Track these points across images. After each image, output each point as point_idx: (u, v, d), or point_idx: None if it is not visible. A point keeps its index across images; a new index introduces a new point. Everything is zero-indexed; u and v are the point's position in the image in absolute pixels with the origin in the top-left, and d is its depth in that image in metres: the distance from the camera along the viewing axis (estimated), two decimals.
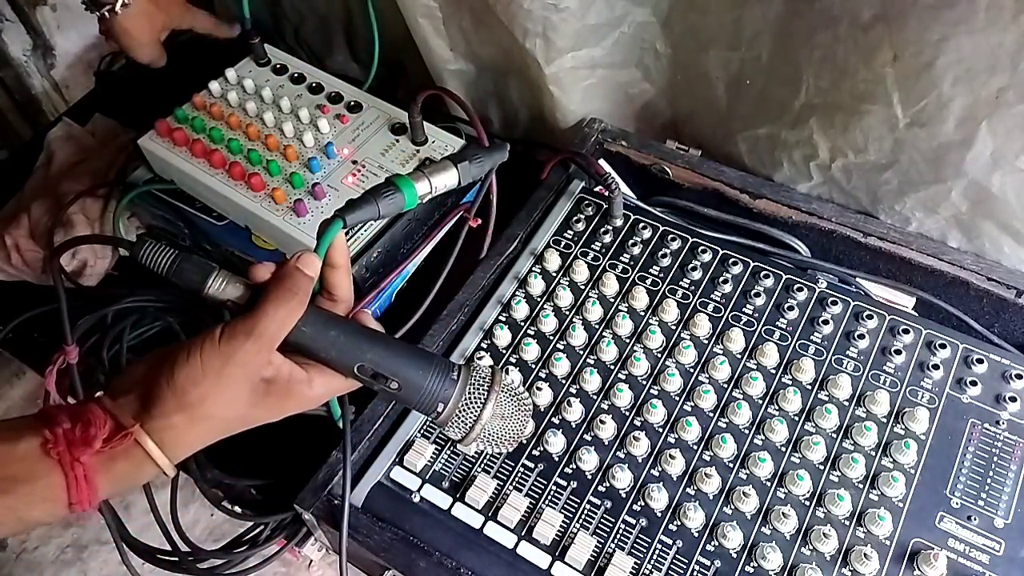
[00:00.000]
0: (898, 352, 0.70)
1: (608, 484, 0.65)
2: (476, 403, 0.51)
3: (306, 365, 0.50)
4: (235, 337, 0.47)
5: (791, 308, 0.74)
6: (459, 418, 0.51)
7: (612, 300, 0.76)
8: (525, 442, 0.66)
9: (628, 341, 0.73)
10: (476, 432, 0.51)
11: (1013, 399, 0.66)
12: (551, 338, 0.74)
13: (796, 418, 0.68)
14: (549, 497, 0.65)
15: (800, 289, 0.75)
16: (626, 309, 0.75)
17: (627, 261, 0.79)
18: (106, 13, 0.81)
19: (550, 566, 0.62)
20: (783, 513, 0.62)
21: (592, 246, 0.80)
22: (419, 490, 0.66)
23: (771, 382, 0.70)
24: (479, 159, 0.60)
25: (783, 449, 0.66)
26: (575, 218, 0.82)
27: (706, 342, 0.73)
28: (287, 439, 0.75)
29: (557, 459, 0.67)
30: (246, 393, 0.49)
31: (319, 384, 0.51)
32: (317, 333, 0.50)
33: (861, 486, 0.64)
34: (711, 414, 0.68)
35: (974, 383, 0.68)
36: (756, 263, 0.77)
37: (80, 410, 0.47)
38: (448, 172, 0.59)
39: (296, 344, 0.50)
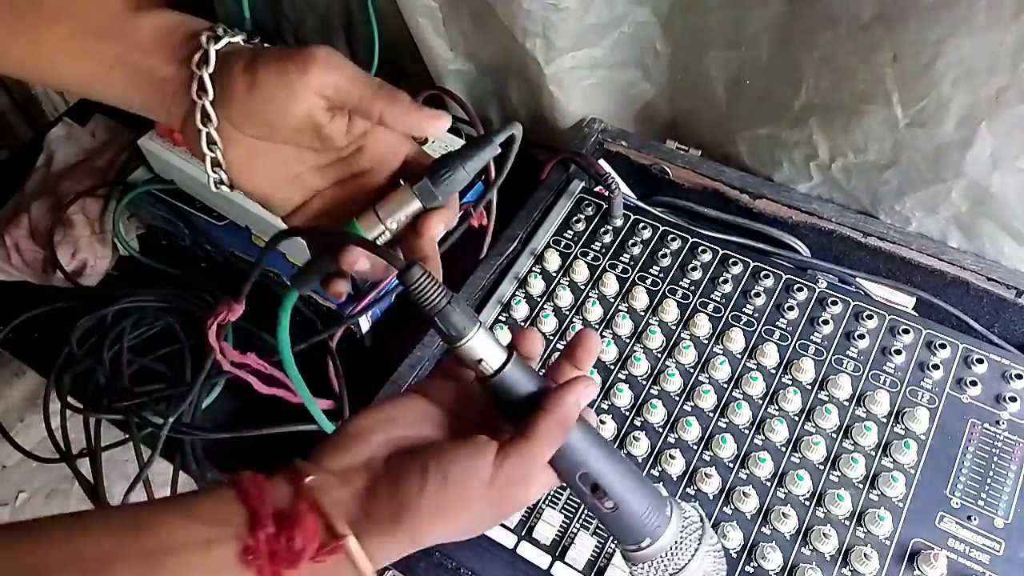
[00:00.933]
0: (898, 352, 0.70)
1: None
2: (686, 551, 0.45)
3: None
4: (515, 482, 0.41)
5: (791, 308, 0.74)
6: (662, 562, 0.45)
7: (612, 300, 0.76)
8: None
9: (628, 341, 0.73)
10: (705, 552, 0.45)
11: (1013, 399, 0.66)
12: (551, 338, 0.74)
13: (796, 418, 0.68)
14: (549, 497, 0.65)
15: (800, 289, 0.75)
16: (626, 309, 0.75)
17: (627, 261, 0.79)
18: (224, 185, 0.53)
19: (550, 566, 0.62)
20: (783, 513, 0.62)
21: (592, 246, 0.80)
22: None
23: (771, 382, 0.70)
24: (446, 174, 0.48)
25: (783, 449, 0.66)
26: (575, 218, 0.82)
27: (706, 342, 0.73)
28: (288, 439, 0.75)
29: None
30: (489, 522, 0.43)
31: (544, 484, 0.44)
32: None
33: (861, 486, 0.64)
34: (711, 414, 0.68)
35: (974, 383, 0.68)
36: (756, 263, 0.77)
37: (291, 513, 0.38)
38: (405, 202, 0.48)
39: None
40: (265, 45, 0.50)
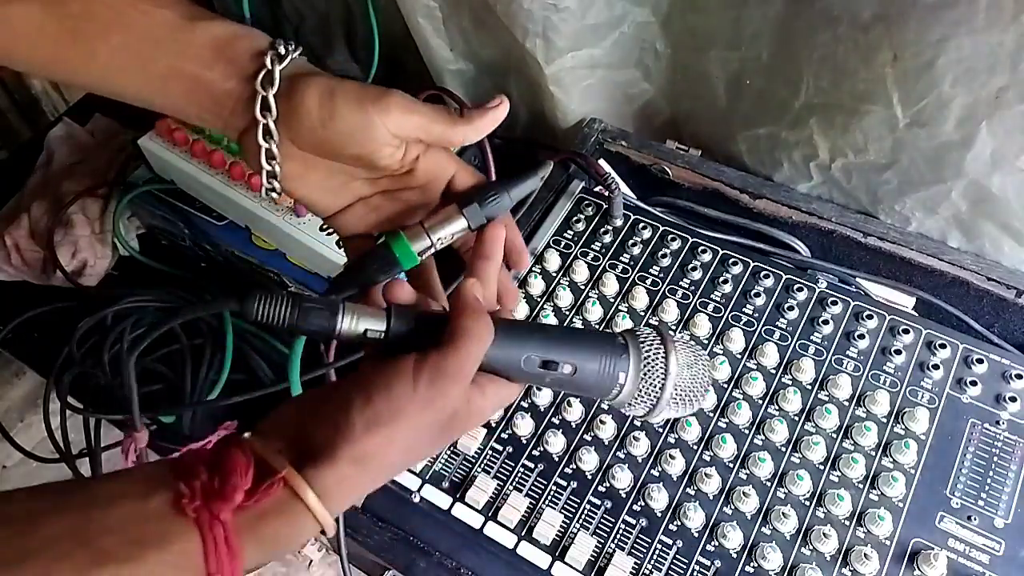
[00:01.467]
0: (898, 352, 0.70)
1: (608, 484, 0.65)
2: (658, 360, 0.46)
3: (475, 378, 0.44)
4: (439, 381, 0.41)
5: (791, 308, 0.74)
6: (645, 383, 0.46)
7: (612, 300, 0.76)
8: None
9: None
10: (668, 391, 0.46)
11: (1013, 399, 0.66)
12: None
13: (796, 418, 0.68)
14: (549, 497, 0.65)
15: (800, 289, 0.75)
16: (626, 309, 0.75)
17: (627, 261, 0.79)
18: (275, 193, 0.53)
19: (550, 566, 0.62)
20: (783, 513, 0.62)
21: (592, 246, 0.80)
22: (419, 490, 0.66)
23: (771, 382, 0.70)
24: (493, 199, 0.51)
25: (783, 449, 0.66)
26: (575, 218, 0.82)
27: (706, 342, 0.73)
28: None
29: (557, 459, 0.67)
30: (434, 434, 0.43)
31: (492, 393, 0.45)
32: None
33: (861, 486, 0.64)
34: (711, 414, 0.68)
35: (974, 383, 0.68)
36: (756, 263, 0.77)
37: (220, 455, 0.39)
38: (453, 222, 0.51)
39: None
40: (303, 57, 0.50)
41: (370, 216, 0.53)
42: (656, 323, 0.47)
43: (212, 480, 0.37)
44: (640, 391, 0.46)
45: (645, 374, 0.46)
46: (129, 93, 0.51)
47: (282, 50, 0.48)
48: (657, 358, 0.46)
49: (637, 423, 0.68)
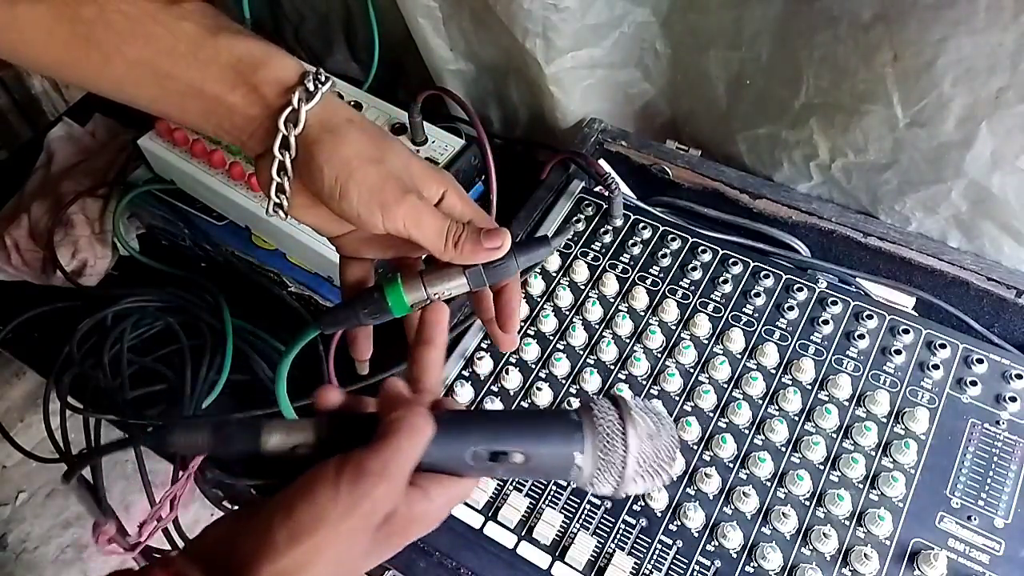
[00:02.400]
0: (898, 352, 0.70)
1: None
2: (615, 435, 0.43)
3: (416, 480, 0.41)
4: (363, 480, 0.38)
5: (791, 308, 0.74)
6: (605, 461, 0.43)
7: (612, 300, 0.76)
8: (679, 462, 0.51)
9: (628, 341, 0.73)
10: (631, 467, 0.43)
11: (1013, 399, 0.66)
12: (551, 338, 0.74)
13: (796, 418, 0.68)
14: (549, 497, 0.65)
15: (800, 289, 0.75)
16: (626, 309, 0.75)
17: (627, 261, 0.79)
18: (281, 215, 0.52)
19: (550, 566, 0.62)
20: (783, 513, 0.62)
21: (592, 246, 0.80)
22: None
23: (771, 382, 0.70)
24: (499, 263, 0.50)
25: (783, 449, 0.66)
26: (575, 218, 0.82)
27: (706, 342, 0.73)
28: None
29: None
30: (366, 543, 0.39)
31: (437, 494, 0.42)
32: None
33: (861, 486, 0.64)
34: (711, 414, 0.68)
35: (974, 383, 0.68)
36: (756, 263, 0.77)
37: (143, 573, 0.37)
38: (453, 280, 0.50)
39: None
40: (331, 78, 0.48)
41: (375, 244, 0.52)
42: (616, 393, 0.44)
43: None
44: (601, 470, 0.43)
45: (604, 451, 0.43)
46: (144, 104, 0.49)
47: (311, 86, 0.46)
48: (614, 433, 0.43)
49: None
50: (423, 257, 0.54)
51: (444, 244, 0.48)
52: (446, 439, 0.42)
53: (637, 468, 0.43)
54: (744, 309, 0.74)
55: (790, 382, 0.69)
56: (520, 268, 0.51)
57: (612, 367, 0.72)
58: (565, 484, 0.65)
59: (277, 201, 0.49)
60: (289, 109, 0.46)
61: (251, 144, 0.48)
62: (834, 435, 0.66)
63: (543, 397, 0.70)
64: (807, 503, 0.63)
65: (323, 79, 0.47)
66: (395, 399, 0.43)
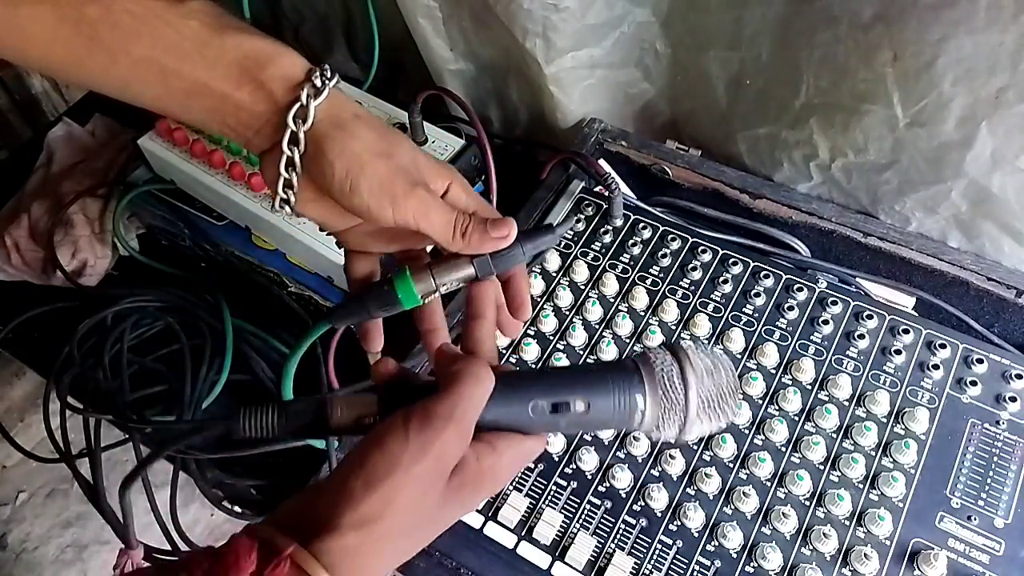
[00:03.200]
0: (898, 352, 0.70)
1: (608, 484, 0.65)
2: (674, 374, 0.43)
3: (482, 436, 0.43)
4: (431, 424, 0.39)
5: (791, 308, 0.74)
6: (667, 401, 0.43)
7: (612, 300, 0.76)
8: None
9: (628, 341, 0.73)
10: (693, 404, 0.42)
11: (1013, 399, 0.66)
12: (551, 338, 0.74)
13: (796, 418, 0.68)
14: (549, 497, 0.65)
15: (800, 289, 0.75)
16: (626, 309, 0.75)
17: (627, 261, 0.79)
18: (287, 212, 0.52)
19: (550, 566, 0.62)
20: (783, 513, 0.62)
21: (592, 246, 0.80)
22: None
23: (771, 382, 0.70)
24: (506, 251, 0.51)
25: (783, 449, 0.66)
26: (575, 218, 0.82)
27: (706, 342, 0.73)
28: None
29: (557, 459, 0.67)
30: (439, 489, 0.40)
31: (504, 448, 0.43)
32: None
33: (861, 486, 0.64)
34: None
35: (974, 383, 0.68)
36: (756, 263, 0.77)
37: (227, 545, 0.37)
38: (461, 270, 0.50)
39: None
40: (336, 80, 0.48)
41: (381, 237, 0.52)
42: (662, 342, 0.44)
43: (214, 568, 0.36)
44: (664, 411, 0.43)
45: (665, 391, 0.43)
46: (148, 102, 0.49)
47: (318, 82, 0.46)
48: (672, 372, 0.43)
49: None
50: (428, 249, 0.54)
51: (452, 235, 0.48)
52: (506, 395, 0.43)
53: (700, 405, 0.43)
54: (744, 309, 0.74)
55: (790, 382, 0.69)
56: (526, 256, 0.51)
57: None
58: (564, 484, 0.65)
59: (284, 197, 0.49)
60: (298, 105, 0.46)
61: (257, 141, 0.48)
62: (834, 435, 0.66)
63: None
64: (807, 503, 0.63)
65: (330, 75, 0.47)
66: (453, 357, 0.44)
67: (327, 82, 0.46)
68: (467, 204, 0.50)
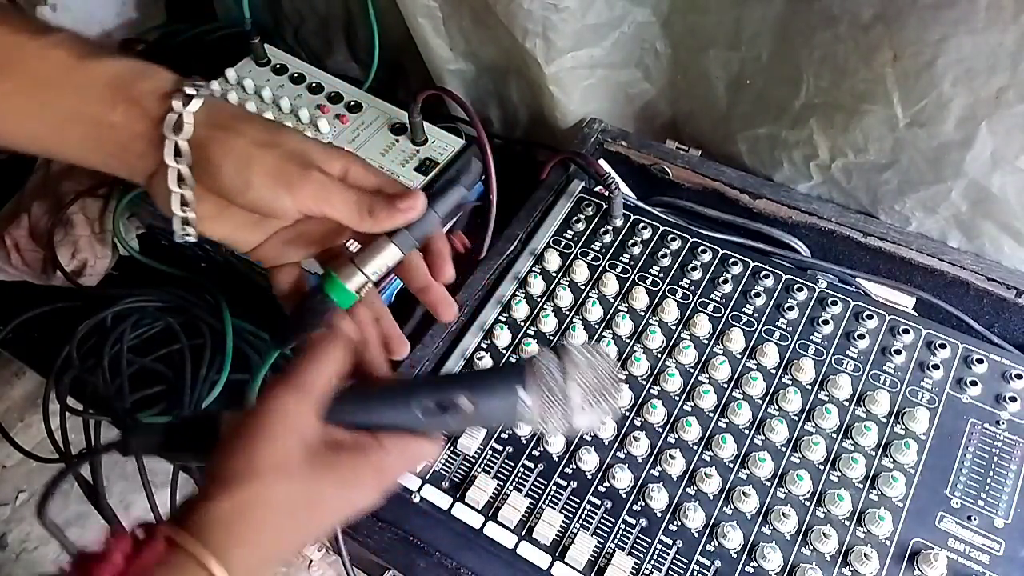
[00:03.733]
0: (898, 352, 0.70)
1: (608, 484, 0.65)
2: (553, 367, 0.45)
3: (373, 433, 0.45)
4: (274, 388, 0.42)
5: (791, 308, 0.74)
6: (549, 394, 0.44)
7: (612, 300, 0.76)
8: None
9: (628, 341, 0.73)
10: (575, 393, 0.44)
11: (1013, 399, 0.66)
12: (551, 338, 0.74)
13: (796, 418, 0.68)
14: (549, 497, 0.65)
15: (800, 289, 0.75)
16: (626, 309, 0.75)
17: (627, 261, 0.79)
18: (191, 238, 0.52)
19: (550, 566, 0.62)
20: (783, 513, 0.62)
21: (592, 246, 0.80)
22: (419, 490, 0.66)
23: (771, 382, 0.70)
24: (421, 222, 0.50)
25: (783, 449, 0.66)
26: (575, 218, 0.82)
27: (706, 342, 0.73)
28: None
29: (557, 459, 0.67)
30: (299, 453, 0.41)
31: (391, 445, 0.44)
32: (360, 399, 0.46)
33: (861, 486, 0.64)
34: (711, 414, 0.68)
35: (974, 383, 0.68)
36: (756, 263, 0.77)
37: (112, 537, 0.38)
38: (384, 250, 0.50)
39: (348, 423, 0.45)
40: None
41: (296, 243, 0.52)
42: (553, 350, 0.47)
43: (93, 554, 0.37)
44: (548, 403, 0.45)
45: (547, 384, 0.45)
46: (23, 141, 0.48)
47: (190, 90, 0.45)
48: (552, 366, 0.45)
49: (637, 423, 0.68)
50: (349, 246, 0.54)
51: (360, 215, 0.48)
52: (394, 396, 0.45)
53: (582, 394, 0.45)
54: (744, 309, 0.74)
55: (790, 382, 0.69)
56: (442, 217, 0.51)
57: None
58: (564, 484, 0.65)
59: (183, 216, 0.48)
60: (172, 115, 0.45)
61: (141, 165, 0.47)
62: (834, 435, 0.66)
63: None
64: (807, 503, 0.63)
65: (202, 84, 0.46)
66: (321, 333, 0.47)
67: (199, 89, 0.46)
68: (369, 182, 0.50)
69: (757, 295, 0.75)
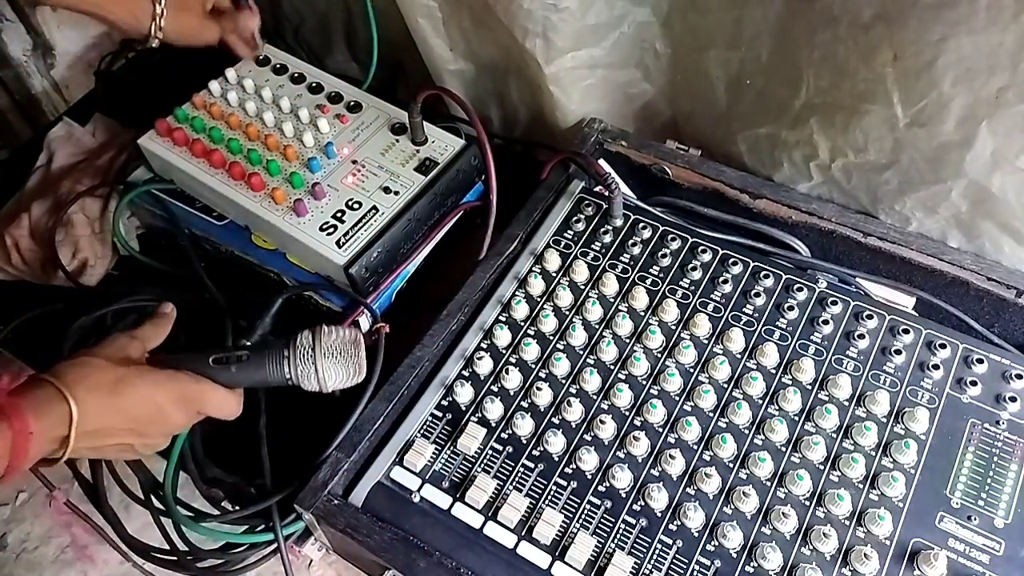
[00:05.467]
0: (898, 352, 0.70)
1: (608, 484, 0.65)
2: (305, 333, 0.66)
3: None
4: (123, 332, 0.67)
5: (791, 308, 0.74)
6: (304, 353, 0.65)
7: (612, 300, 0.76)
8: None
9: (628, 341, 0.73)
10: (319, 354, 0.65)
11: (1013, 399, 0.66)
12: (551, 338, 0.74)
13: (796, 418, 0.68)
14: (549, 497, 0.65)
15: (800, 289, 0.75)
16: (626, 309, 0.75)
17: (627, 261, 0.79)
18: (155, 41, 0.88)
19: (550, 566, 0.62)
20: (783, 513, 0.62)
21: (592, 246, 0.80)
22: (419, 490, 0.66)
23: (771, 382, 0.70)
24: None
25: (783, 449, 0.66)
26: (575, 218, 0.82)
27: (706, 342, 0.73)
28: (286, 438, 0.75)
29: (557, 459, 0.67)
30: (119, 359, 0.63)
31: (186, 379, 0.63)
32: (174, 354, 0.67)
33: (861, 486, 0.64)
34: (711, 414, 0.68)
35: (974, 383, 0.68)
36: (756, 263, 0.77)
37: None
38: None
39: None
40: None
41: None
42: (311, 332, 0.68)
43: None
44: (303, 361, 0.65)
45: (302, 348, 0.66)
46: None
47: None
48: (305, 334, 0.67)
49: (637, 423, 0.68)
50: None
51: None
52: (197, 353, 0.65)
53: (324, 354, 0.66)
54: (744, 309, 0.74)
55: (790, 382, 0.69)
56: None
57: (612, 367, 0.72)
58: (564, 484, 0.65)
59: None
60: None
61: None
62: (834, 435, 0.66)
63: (543, 397, 0.70)
64: (807, 503, 0.63)
65: None
66: None
67: None
68: None
69: (757, 295, 0.75)
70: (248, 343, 0.70)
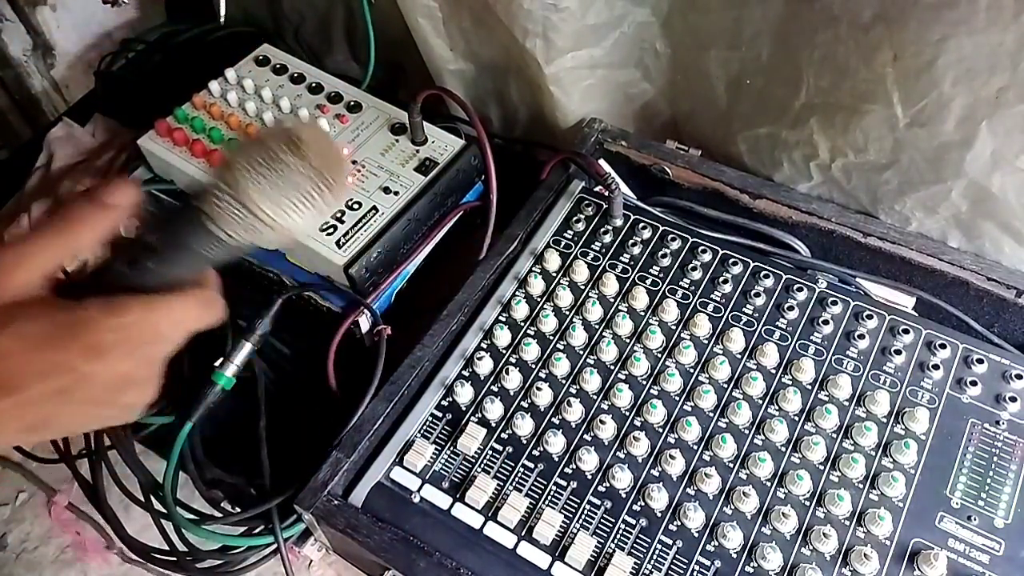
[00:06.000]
0: (898, 352, 0.70)
1: (608, 484, 0.65)
2: (219, 170, 0.48)
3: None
4: None
5: (791, 308, 0.74)
6: (214, 189, 0.48)
7: (612, 300, 0.76)
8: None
9: (628, 341, 0.73)
10: (242, 176, 0.47)
11: (1013, 399, 0.66)
12: (551, 338, 0.74)
13: (796, 418, 0.68)
14: (549, 497, 0.65)
15: (800, 289, 0.75)
16: (626, 309, 0.75)
17: (627, 261, 0.79)
18: None
19: (550, 566, 0.62)
20: (783, 513, 0.62)
21: (592, 246, 0.80)
22: (419, 490, 0.66)
23: (771, 382, 0.70)
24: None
25: (783, 449, 0.66)
26: (575, 218, 0.82)
27: (706, 342, 0.73)
28: (285, 438, 0.75)
29: (557, 459, 0.67)
30: (45, 299, 0.52)
31: (134, 301, 0.51)
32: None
33: (861, 486, 0.64)
34: (711, 414, 0.68)
35: (974, 383, 0.68)
36: (756, 263, 0.77)
37: None
38: (244, 349, 0.73)
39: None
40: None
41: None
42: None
43: None
44: (218, 193, 0.49)
45: (212, 179, 0.49)
46: None
47: None
48: (216, 168, 0.51)
49: (637, 423, 0.68)
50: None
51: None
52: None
53: (249, 175, 0.47)
54: (744, 309, 0.74)
55: (790, 382, 0.69)
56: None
57: (612, 367, 0.72)
58: (564, 484, 0.65)
59: None
60: None
61: None
62: (834, 435, 0.66)
63: (543, 397, 0.70)
64: (807, 503, 0.63)
65: None
66: None
67: None
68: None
69: (757, 295, 0.75)
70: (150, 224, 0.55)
